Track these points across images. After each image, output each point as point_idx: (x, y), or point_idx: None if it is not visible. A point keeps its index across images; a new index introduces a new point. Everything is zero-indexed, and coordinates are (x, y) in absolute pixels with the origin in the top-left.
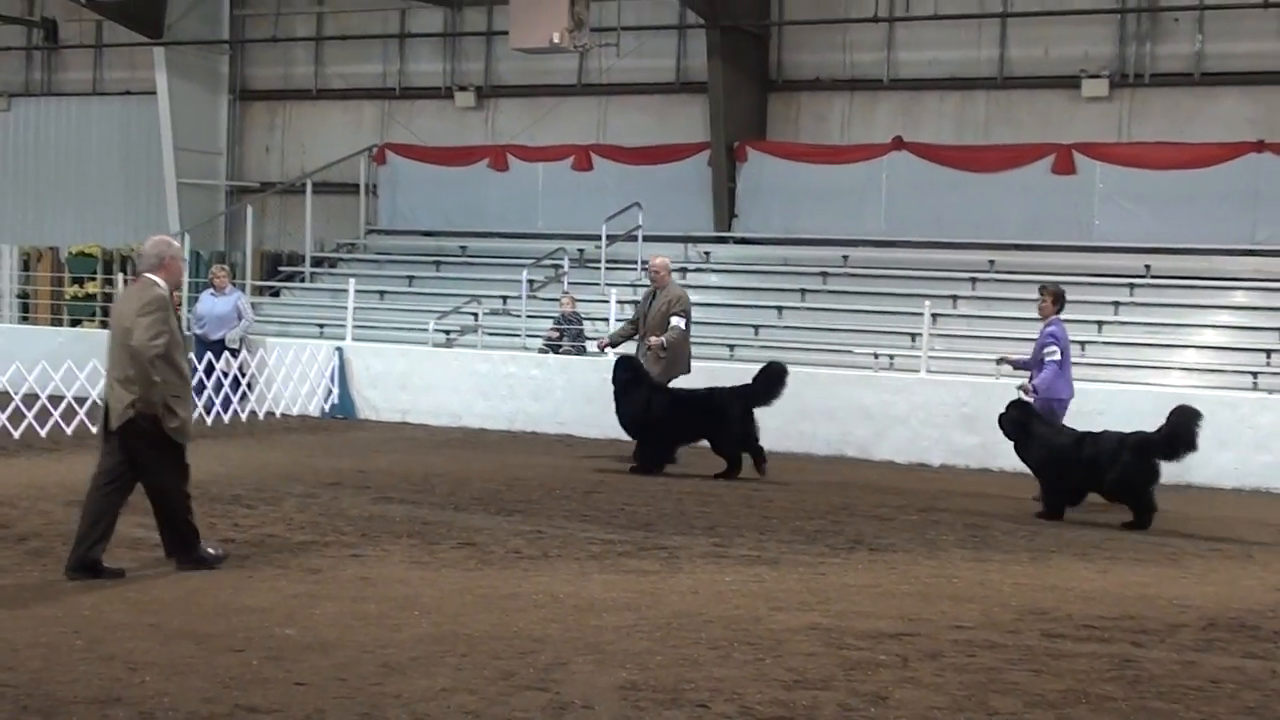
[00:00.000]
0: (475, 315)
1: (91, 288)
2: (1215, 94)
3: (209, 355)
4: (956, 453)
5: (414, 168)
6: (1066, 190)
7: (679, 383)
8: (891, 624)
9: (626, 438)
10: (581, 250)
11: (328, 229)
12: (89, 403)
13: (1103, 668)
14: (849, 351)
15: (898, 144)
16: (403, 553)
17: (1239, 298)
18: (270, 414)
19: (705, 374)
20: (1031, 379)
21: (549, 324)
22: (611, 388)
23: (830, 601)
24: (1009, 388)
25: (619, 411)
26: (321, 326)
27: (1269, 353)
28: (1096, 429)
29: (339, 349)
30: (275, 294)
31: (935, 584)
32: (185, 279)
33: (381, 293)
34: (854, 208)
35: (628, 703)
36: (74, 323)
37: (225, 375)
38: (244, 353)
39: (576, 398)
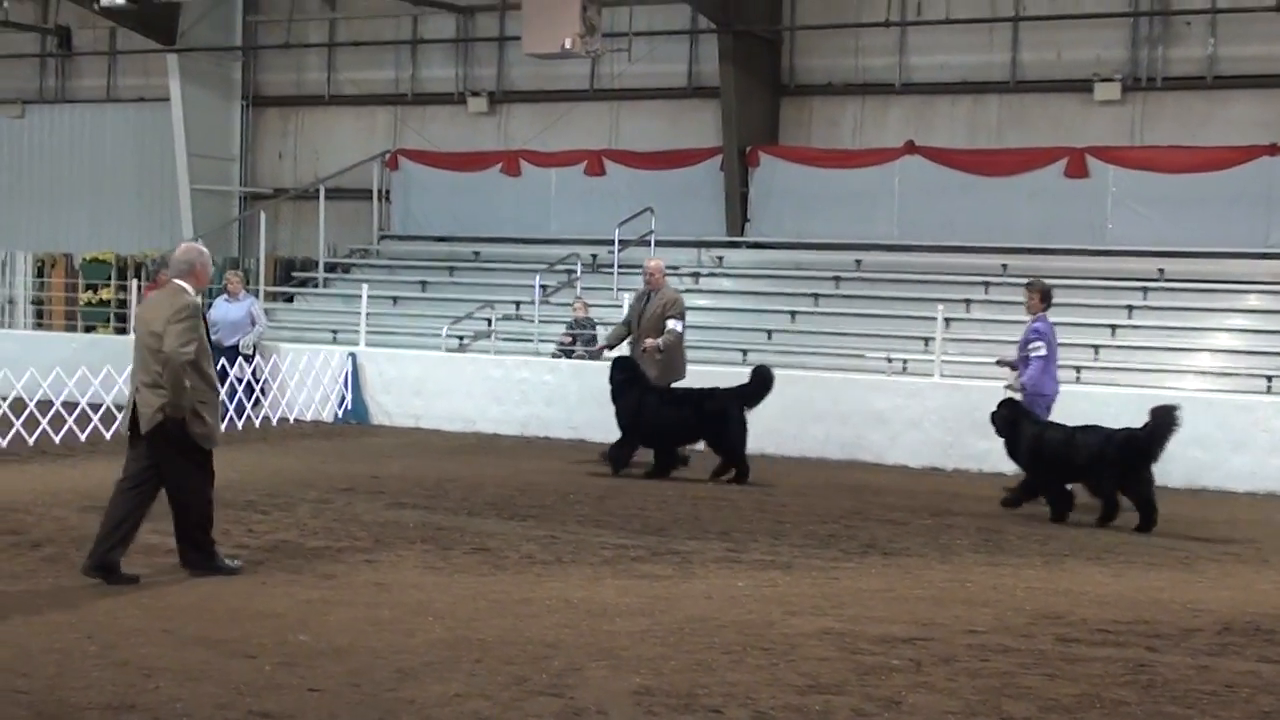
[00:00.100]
0: (488, 320)
1: (105, 294)
2: (1228, 97)
3: (223, 361)
4: (970, 457)
5: (427, 173)
6: (1079, 194)
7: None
8: (905, 628)
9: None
10: (594, 255)
11: (341, 234)
12: (103, 409)
13: (1117, 672)
14: (862, 356)
15: (910, 148)
16: (416, 558)
17: (1253, 301)
18: (284, 419)
19: (717, 379)
20: (1018, 376)
21: (562, 329)
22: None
23: (844, 606)
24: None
25: (616, 412)
26: (335, 332)
27: None
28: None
29: (352, 354)
30: (289, 300)
31: (949, 588)
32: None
33: (395, 298)
34: (866, 212)
35: (641, 708)
36: (88, 329)
37: (239, 381)
38: (257, 358)
39: (590, 403)
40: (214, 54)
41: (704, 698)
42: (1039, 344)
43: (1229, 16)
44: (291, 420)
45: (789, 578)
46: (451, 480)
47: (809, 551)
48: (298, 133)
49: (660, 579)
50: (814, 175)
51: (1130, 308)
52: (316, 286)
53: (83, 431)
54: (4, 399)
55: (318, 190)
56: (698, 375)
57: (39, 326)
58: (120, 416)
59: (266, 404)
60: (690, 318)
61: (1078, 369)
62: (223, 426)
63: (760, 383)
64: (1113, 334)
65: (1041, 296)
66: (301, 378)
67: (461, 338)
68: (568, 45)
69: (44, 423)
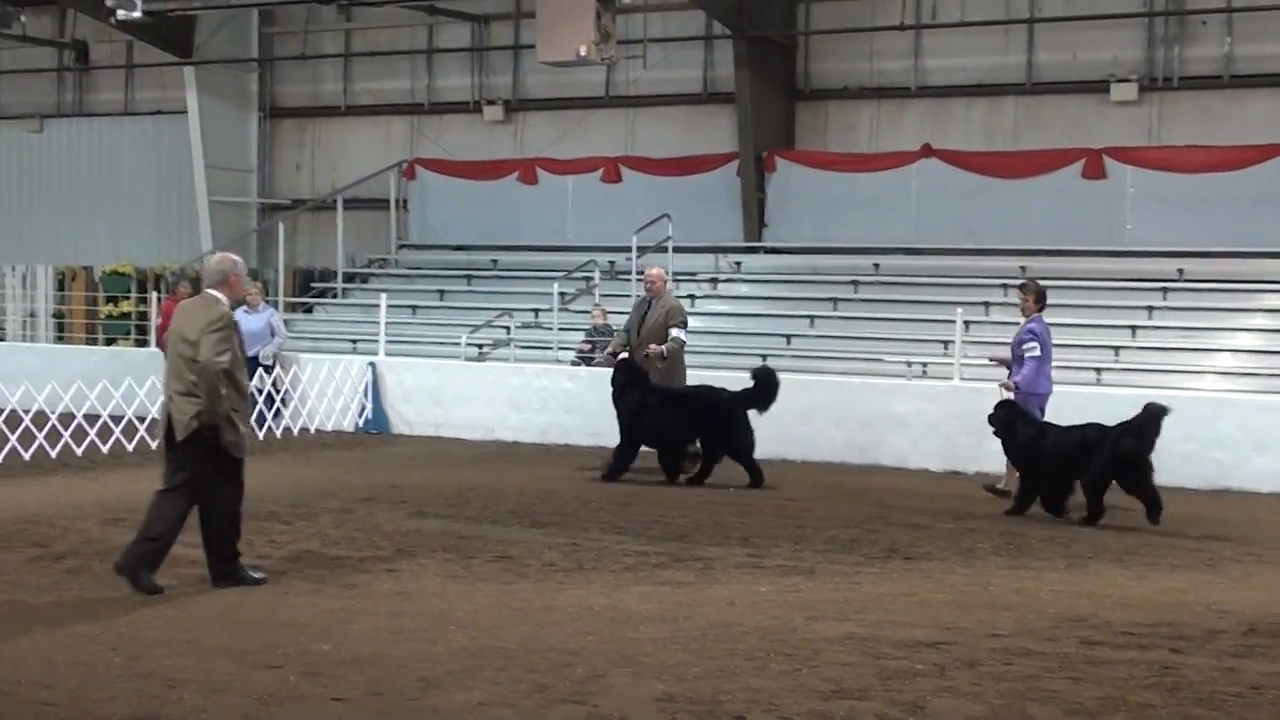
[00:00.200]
0: (507, 329)
1: (126, 307)
2: (1245, 96)
3: None
4: (991, 460)
5: (444, 182)
6: (1097, 195)
7: None
8: (928, 633)
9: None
10: (612, 262)
11: (359, 245)
12: (124, 422)
13: (1141, 675)
14: (881, 360)
15: (926, 151)
16: (438, 567)
17: (1273, 300)
18: (305, 430)
19: (733, 385)
20: (1011, 375)
21: (581, 336)
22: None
23: (866, 611)
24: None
25: (618, 414)
26: (354, 342)
27: None
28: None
29: (372, 364)
30: (308, 310)
31: (972, 592)
32: None
33: (414, 307)
34: (884, 216)
35: (665, 715)
36: (108, 342)
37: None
38: (278, 369)
39: (609, 410)
40: (230, 66)
41: (727, 704)
42: (1033, 345)
43: (1245, 15)
44: (313, 431)
45: (811, 583)
46: (472, 489)
47: (831, 556)
48: (315, 143)
49: (682, 585)
50: (831, 179)
51: (1150, 308)
52: (335, 297)
53: (105, 444)
54: (26, 412)
55: (335, 200)
56: (715, 382)
57: (60, 340)
58: (146, 424)
59: (288, 415)
60: (709, 324)
61: (1098, 370)
62: None
63: (764, 384)
64: (1133, 335)
65: (1036, 298)
66: (322, 388)
67: (480, 346)
68: (582, 53)
69: (66, 435)
